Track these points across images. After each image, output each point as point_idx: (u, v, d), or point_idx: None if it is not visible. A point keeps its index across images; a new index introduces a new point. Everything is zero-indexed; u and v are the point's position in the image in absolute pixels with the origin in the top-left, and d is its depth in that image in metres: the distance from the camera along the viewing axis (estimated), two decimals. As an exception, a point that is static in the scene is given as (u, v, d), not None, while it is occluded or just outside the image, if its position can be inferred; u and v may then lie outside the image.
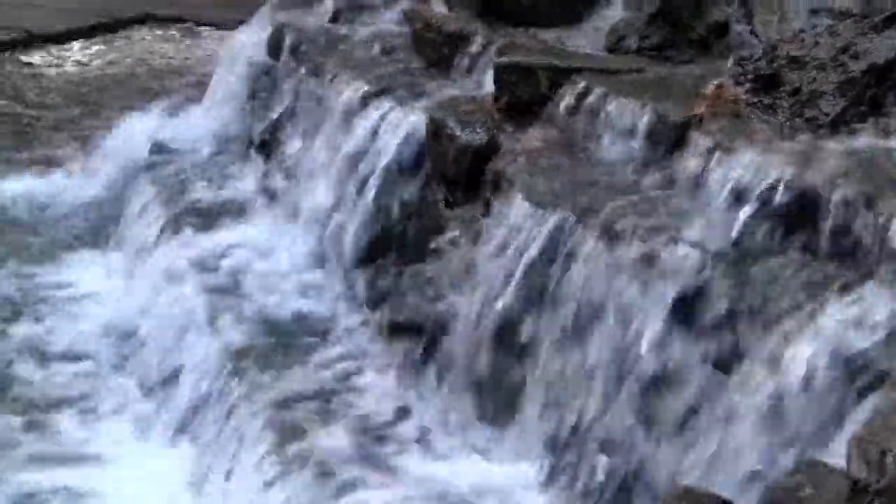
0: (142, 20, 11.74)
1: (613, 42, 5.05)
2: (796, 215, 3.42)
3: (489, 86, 4.97)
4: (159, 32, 11.41)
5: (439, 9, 5.91)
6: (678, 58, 4.85)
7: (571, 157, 4.39)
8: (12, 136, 8.49)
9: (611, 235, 3.73)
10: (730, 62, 4.48)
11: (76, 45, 10.80)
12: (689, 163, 3.87)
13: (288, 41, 6.46)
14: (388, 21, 6.26)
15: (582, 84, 4.54)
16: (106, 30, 11.31)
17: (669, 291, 3.50)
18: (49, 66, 10.23)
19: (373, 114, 5.17)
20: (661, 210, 3.80)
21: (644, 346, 3.52)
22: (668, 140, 4.05)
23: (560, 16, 5.47)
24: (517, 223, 4.06)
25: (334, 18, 6.57)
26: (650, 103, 4.22)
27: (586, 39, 5.26)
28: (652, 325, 3.51)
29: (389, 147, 4.97)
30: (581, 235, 3.81)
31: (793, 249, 3.43)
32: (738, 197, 3.56)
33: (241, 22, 10.05)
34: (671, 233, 3.63)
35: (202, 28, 11.53)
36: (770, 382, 3.11)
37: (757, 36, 4.96)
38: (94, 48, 10.82)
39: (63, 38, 10.87)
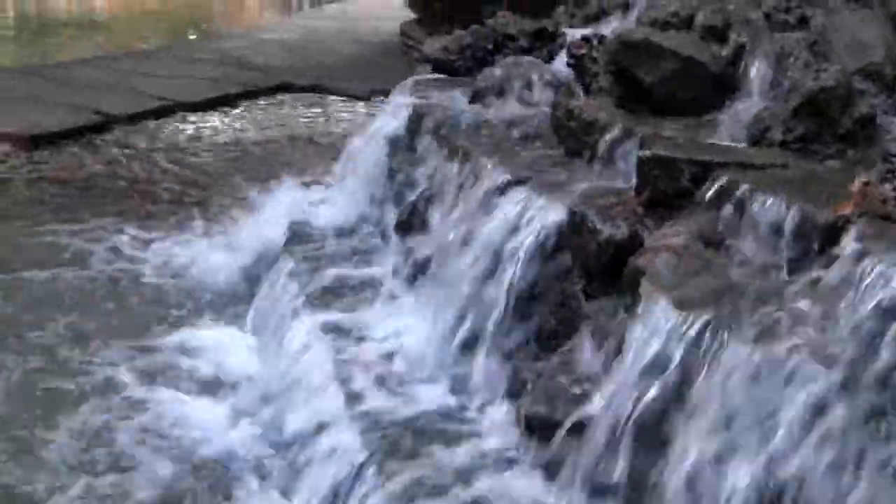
0: (278, 89, 11.97)
1: (757, 133, 4.96)
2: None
3: (630, 177, 4.95)
4: (297, 102, 11.62)
5: (580, 96, 5.91)
6: (823, 152, 4.75)
7: (714, 255, 4.32)
8: (150, 205, 8.66)
9: (754, 343, 3.67)
10: (877, 158, 4.41)
11: (217, 114, 11.04)
12: (837, 269, 3.78)
13: (427, 122, 6.50)
14: (529, 106, 6.28)
15: (725, 179, 4.48)
16: (245, 98, 11.57)
17: (803, 402, 3.45)
18: (191, 136, 10.44)
19: (512, 202, 5.16)
20: (806, 319, 3.71)
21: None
22: (814, 242, 3.97)
23: (699, 105, 5.41)
24: (658, 324, 3.99)
25: (474, 99, 6.59)
26: (796, 201, 4.14)
27: (726, 130, 5.20)
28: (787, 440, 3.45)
29: (529, 236, 4.95)
30: (725, 341, 3.75)
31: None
32: (888, 309, 3.47)
33: (376, 92, 10.26)
34: (814, 344, 3.57)
35: (337, 98, 11.72)
36: None
37: (905, 129, 4.88)
38: (235, 117, 11.06)
39: (205, 106, 11.13)
